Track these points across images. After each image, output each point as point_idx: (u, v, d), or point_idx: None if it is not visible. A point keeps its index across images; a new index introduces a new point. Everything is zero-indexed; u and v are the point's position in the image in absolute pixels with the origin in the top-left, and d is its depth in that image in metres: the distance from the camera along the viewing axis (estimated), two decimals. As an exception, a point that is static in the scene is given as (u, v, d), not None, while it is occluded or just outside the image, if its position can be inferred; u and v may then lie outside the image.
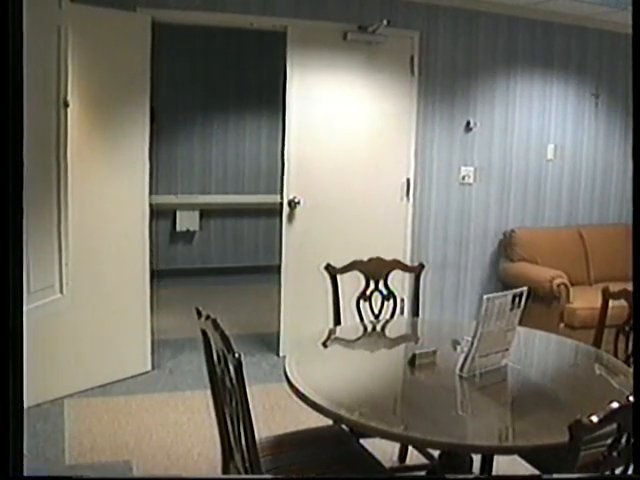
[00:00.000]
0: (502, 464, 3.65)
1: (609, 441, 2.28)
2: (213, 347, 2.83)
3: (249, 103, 9.55)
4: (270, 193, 9.05)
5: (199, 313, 2.91)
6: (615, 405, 2.15)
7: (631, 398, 2.18)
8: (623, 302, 3.80)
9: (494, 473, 3.64)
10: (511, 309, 3.07)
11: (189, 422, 4.88)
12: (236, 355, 2.56)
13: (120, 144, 5.44)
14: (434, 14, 6.58)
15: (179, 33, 7.55)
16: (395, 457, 4.29)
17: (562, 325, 6.28)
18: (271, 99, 7.75)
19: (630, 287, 3.82)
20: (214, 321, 2.77)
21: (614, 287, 3.94)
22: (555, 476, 2.62)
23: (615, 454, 2.28)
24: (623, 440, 2.27)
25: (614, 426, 2.22)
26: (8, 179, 2.16)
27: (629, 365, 3.52)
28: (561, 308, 6.32)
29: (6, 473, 2.12)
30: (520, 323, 3.25)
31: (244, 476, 2.82)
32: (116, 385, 5.48)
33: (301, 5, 6.12)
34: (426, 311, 5.79)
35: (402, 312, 5.05)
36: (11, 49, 2.15)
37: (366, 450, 3.28)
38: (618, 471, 2.37)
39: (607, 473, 2.34)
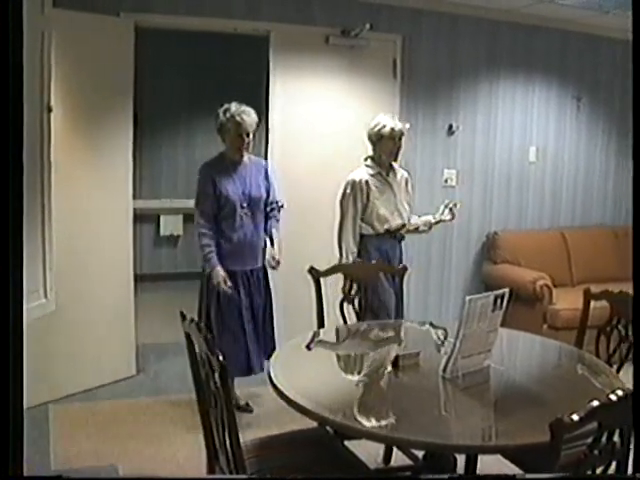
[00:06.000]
0: (486, 464, 3.67)
1: (590, 440, 2.31)
2: (197, 350, 2.84)
3: (233, 107, 9.54)
4: (254, 197, 9.06)
5: (183, 316, 2.92)
6: (595, 403, 2.18)
7: (612, 396, 2.21)
8: (604, 303, 3.83)
9: (478, 473, 3.66)
10: (493, 310, 3.09)
11: (174, 426, 4.88)
12: (220, 358, 2.57)
13: (104, 148, 5.44)
14: (417, 18, 6.61)
15: (163, 38, 7.54)
16: (380, 459, 4.29)
17: (545, 326, 6.32)
18: (255, 103, 7.72)
19: (611, 288, 3.88)
20: (198, 324, 2.78)
21: (596, 288, 3.98)
22: (528, 476, 2.65)
23: (596, 452, 2.31)
24: (604, 438, 2.29)
25: (595, 424, 2.24)
26: (8, 184, 2.17)
27: (611, 365, 3.56)
28: (544, 309, 6.37)
29: (6, 473, 2.13)
30: (503, 324, 3.28)
31: (230, 476, 2.82)
32: (101, 390, 5.47)
33: (284, 9, 6.14)
34: (410, 313, 5.80)
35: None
36: (11, 56, 2.16)
37: (351, 452, 3.29)
38: (599, 470, 2.40)
39: (589, 472, 2.36)
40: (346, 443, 3.39)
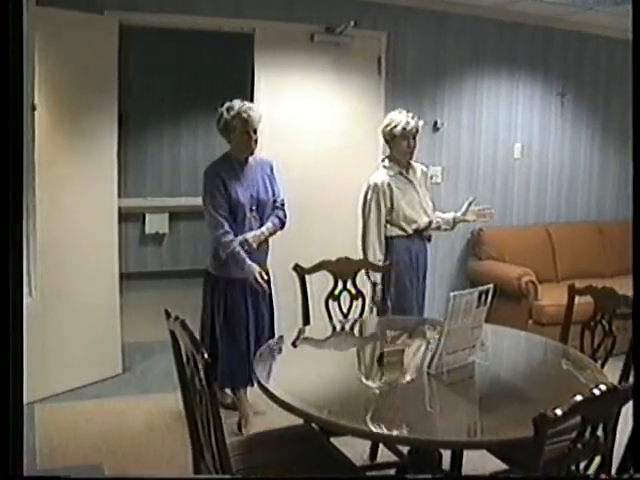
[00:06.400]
0: (471, 459, 3.69)
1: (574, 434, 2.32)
2: (182, 348, 2.84)
3: (218, 105, 9.52)
4: (239, 195, 9.08)
5: (168, 314, 2.91)
6: (578, 398, 2.19)
7: (595, 391, 2.22)
8: (589, 298, 3.85)
9: (464, 468, 3.68)
10: (477, 306, 3.10)
11: (160, 424, 4.87)
12: (205, 356, 2.57)
13: (88, 147, 5.42)
14: (401, 15, 6.62)
15: (148, 35, 7.53)
16: (366, 455, 4.31)
17: (531, 322, 6.34)
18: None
19: (596, 284, 3.91)
20: (183, 322, 2.78)
21: (581, 284, 4.01)
22: (512, 476, 2.66)
23: (580, 446, 2.32)
24: (587, 433, 2.31)
25: (578, 419, 2.25)
26: (8, 183, 2.17)
27: (595, 360, 3.58)
28: (529, 305, 6.39)
29: (6, 473, 2.13)
30: (487, 320, 3.29)
31: (217, 476, 2.82)
32: (87, 389, 5.45)
33: (269, 7, 6.13)
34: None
35: (371, 311, 5.06)
36: (11, 56, 2.17)
37: (336, 449, 3.30)
38: (582, 464, 2.41)
39: (573, 467, 2.38)
40: (332, 440, 3.40)
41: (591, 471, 2.46)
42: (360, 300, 4.32)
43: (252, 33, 6.07)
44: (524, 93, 7.36)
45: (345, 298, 4.30)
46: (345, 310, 4.28)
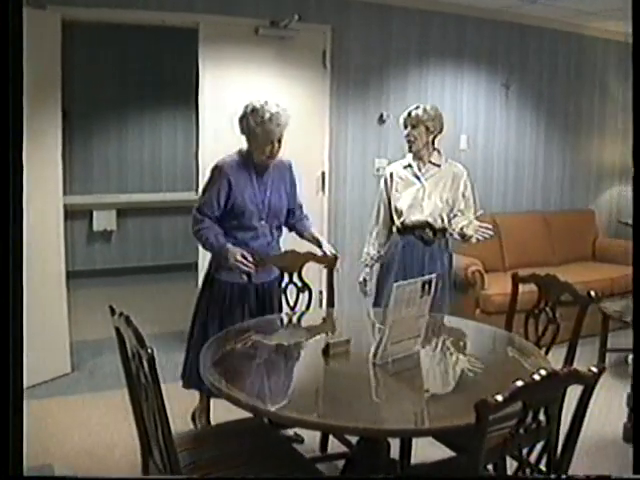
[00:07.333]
0: (420, 448, 3.72)
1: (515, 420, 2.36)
2: (127, 344, 2.82)
3: (165, 100, 9.48)
4: (187, 190, 9.04)
5: (113, 310, 2.90)
6: (519, 383, 2.22)
7: (535, 376, 2.25)
8: (533, 287, 3.90)
9: (413, 456, 3.71)
10: (421, 296, 3.13)
11: (110, 423, 4.83)
12: (149, 350, 2.56)
13: (31, 145, 5.24)
14: (346, 9, 6.64)
15: (92, 31, 7.47)
16: (316, 447, 4.33)
17: (478, 311, 6.41)
18: (186, 96, 7.70)
19: (541, 272, 3.96)
20: (127, 318, 2.77)
21: (527, 273, 4.05)
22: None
23: (522, 431, 2.36)
24: (529, 418, 2.34)
25: (520, 404, 2.29)
26: (9, 181, 2.18)
27: (540, 347, 3.63)
28: (476, 295, 6.46)
29: (6, 473, 2.13)
30: (431, 309, 3.32)
31: (170, 477, 2.81)
32: (35, 389, 5.37)
33: (213, 1, 6.11)
34: (345, 302, 5.82)
35: (320, 304, 5.06)
36: (11, 53, 2.16)
37: (286, 441, 3.31)
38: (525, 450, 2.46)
39: (516, 452, 2.41)
40: (282, 432, 3.41)
41: (535, 455, 2.51)
42: (307, 293, 4.33)
43: (196, 27, 6.03)
44: (469, 85, 7.42)
45: (292, 291, 4.31)
46: (292, 303, 4.30)
